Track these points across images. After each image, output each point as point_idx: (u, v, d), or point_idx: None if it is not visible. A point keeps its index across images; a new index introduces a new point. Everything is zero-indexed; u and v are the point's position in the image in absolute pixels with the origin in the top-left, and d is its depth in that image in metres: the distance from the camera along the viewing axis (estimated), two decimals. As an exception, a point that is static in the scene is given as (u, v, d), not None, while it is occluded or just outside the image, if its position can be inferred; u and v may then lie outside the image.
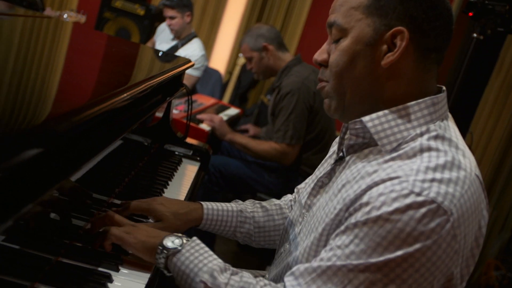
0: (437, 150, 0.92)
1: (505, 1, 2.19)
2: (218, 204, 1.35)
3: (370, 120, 0.99)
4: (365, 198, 0.91)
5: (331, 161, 1.16)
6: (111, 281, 1.03)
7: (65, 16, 3.44)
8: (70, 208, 1.16)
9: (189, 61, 1.96)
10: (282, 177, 2.72)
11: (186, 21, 3.74)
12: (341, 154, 1.10)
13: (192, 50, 3.77)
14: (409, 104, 0.98)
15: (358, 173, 0.98)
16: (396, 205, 0.86)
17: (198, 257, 1.01)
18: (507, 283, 3.56)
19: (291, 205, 1.42)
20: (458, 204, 0.87)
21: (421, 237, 0.85)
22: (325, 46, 1.07)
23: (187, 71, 3.72)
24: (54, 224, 1.09)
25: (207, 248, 1.05)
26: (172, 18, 3.68)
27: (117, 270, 1.07)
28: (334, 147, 1.24)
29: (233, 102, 4.58)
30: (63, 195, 1.10)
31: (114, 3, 4.35)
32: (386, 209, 0.87)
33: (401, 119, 0.97)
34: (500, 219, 3.47)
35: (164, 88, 1.77)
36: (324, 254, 0.93)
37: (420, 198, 0.86)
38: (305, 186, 1.28)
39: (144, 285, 1.07)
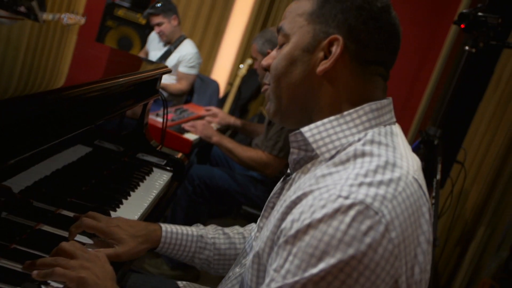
0: (371, 155, 0.86)
1: (498, 14, 2.04)
2: (178, 227, 1.25)
3: (309, 130, 0.94)
4: (296, 212, 0.84)
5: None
6: None
7: (64, 18, 3.34)
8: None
9: (165, 67, 1.82)
10: (268, 191, 2.56)
11: (174, 24, 3.68)
12: (288, 171, 1.04)
13: (185, 50, 3.71)
14: (346, 112, 0.92)
15: (299, 187, 0.91)
16: (324, 211, 0.80)
17: None
18: (503, 303, 3.37)
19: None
20: (390, 205, 0.80)
21: (354, 242, 0.77)
22: (273, 52, 1.03)
23: (184, 71, 3.67)
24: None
25: None
26: (159, 24, 3.64)
27: None
28: None
29: (233, 113, 4.45)
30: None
31: (116, 12, 4.26)
32: (314, 216, 0.80)
33: (339, 126, 0.92)
34: (495, 237, 3.29)
35: (138, 93, 1.65)
36: (264, 283, 0.85)
37: (347, 201, 0.79)
38: None
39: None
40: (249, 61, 4.63)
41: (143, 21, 4.22)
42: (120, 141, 1.71)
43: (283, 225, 0.86)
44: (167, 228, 1.23)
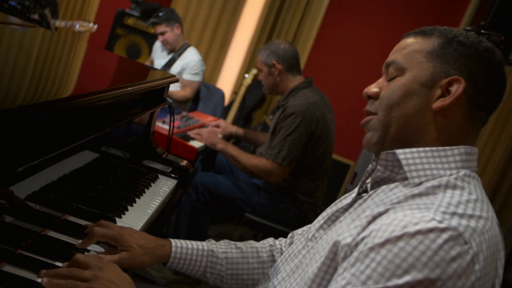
0: (462, 188, 0.88)
1: (500, 31, 2.02)
2: (188, 242, 1.24)
3: (404, 153, 0.95)
4: (380, 223, 0.85)
5: (351, 196, 1.07)
6: None
7: (77, 26, 3.34)
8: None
9: (172, 76, 1.82)
10: (271, 199, 2.55)
11: (177, 33, 3.68)
12: (364, 188, 1.04)
13: (189, 57, 3.71)
14: (445, 147, 0.94)
15: (381, 201, 0.93)
16: (418, 227, 0.80)
17: None
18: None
19: (272, 250, 1.29)
20: (478, 239, 0.81)
21: (442, 263, 0.78)
22: (378, 81, 1.03)
23: (188, 78, 3.67)
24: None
25: None
26: (163, 33, 3.64)
27: None
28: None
29: (237, 122, 4.45)
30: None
31: (126, 20, 4.26)
32: (407, 230, 0.80)
33: (434, 158, 0.93)
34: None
35: (145, 101, 1.63)
36: (334, 285, 0.85)
37: (442, 225, 0.80)
38: (305, 230, 1.18)
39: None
40: (254, 71, 4.63)
41: (152, 30, 4.22)
42: (127, 147, 1.70)
43: (364, 233, 0.86)
44: (177, 243, 1.21)
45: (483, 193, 0.92)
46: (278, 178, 2.44)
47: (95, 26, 3.42)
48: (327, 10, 4.80)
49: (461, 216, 0.82)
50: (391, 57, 1.01)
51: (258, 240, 1.34)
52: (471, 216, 0.83)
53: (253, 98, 4.84)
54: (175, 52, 3.74)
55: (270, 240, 1.31)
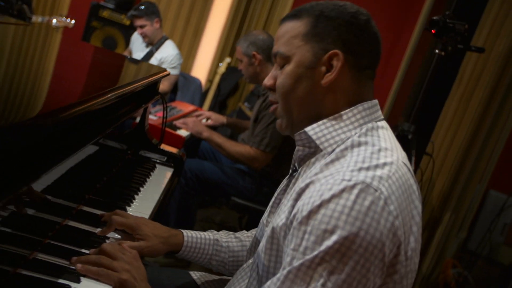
0: (366, 143, 0.96)
1: (465, 20, 2.15)
2: (196, 232, 1.31)
3: (312, 129, 1.02)
4: (305, 198, 0.93)
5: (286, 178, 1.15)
6: None
7: (54, 21, 3.32)
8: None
9: (164, 70, 1.87)
10: (255, 183, 2.64)
11: (156, 27, 3.68)
12: (293, 167, 1.10)
13: (166, 51, 3.72)
14: (343, 111, 1.02)
15: (306, 177, 1.00)
16: (331, 192, 0.88)
17: None
18: (463, 281, 3.54)
19: None
20: (386, 184, 0.89)
21: (359, 215, 0.86)
22: (272, 72, 1.09)
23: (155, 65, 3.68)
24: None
25: None
26: (142, 26, 3.63)
27: (78, 281, 0.99)
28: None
29: (213, 109, 4.50)
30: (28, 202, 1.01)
31: (101, 13, 4.24)
32: (324, 197, 0.89)
33: (338, 124, 1.01)
34: (458, 221, 3.45)
35: (140, 96, 1.69)
36: (283, 262, 0.92)
37: (351, 183, 0.88)
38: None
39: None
40: (227, 60, 4.69)
41: (127, 22, 4.21)
42: (123, 139, 1.75)
43: (294, 210, 0.93)
44: (188, 233, 1.29)
45: (387, 139, 0.99)
46: (261, 163, 2.53)
47: (72, 21, 3.40)
48: (296, -2, 4.89)
49: (367, 169, 0.90)
50: (275, 47, 1.06)
51: (243, 222, 1.43)
52: (376, 166, 0.91)
53: (227, 86, 4.90)
54: (153, 45, 3.75)
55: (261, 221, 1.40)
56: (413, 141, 2.32)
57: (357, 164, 0.92)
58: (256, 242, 1.19)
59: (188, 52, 4.96)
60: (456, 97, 3.07)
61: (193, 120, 2.73)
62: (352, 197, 0.87)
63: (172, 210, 2.62)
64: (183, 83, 4.08)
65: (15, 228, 0.99)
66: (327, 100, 1.02)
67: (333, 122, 1.01)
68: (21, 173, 0.90)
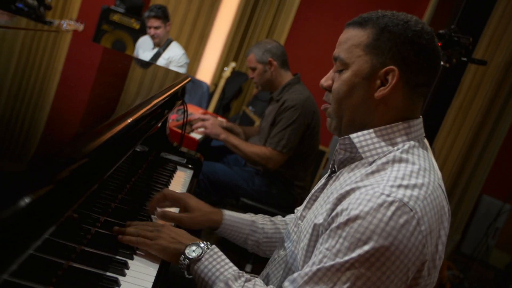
0: (406, 161, 1.00)
1: (468, 34, 2.23)
2: (234, 212, 1.40)
3: (357, 136, 1.07)
4: (345, 203, 0.97)
5: (325, 178, 1.20)
6: (127, 267, 1.07)
7: (64, 24, 3.37)
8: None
9: (187, 77, 1.93)
10: (265, 185, 2.71)
11: (167, 30, 3.80)
12: (333, 169, 1.15)
13: (173, 51, 3.82)
14: (388, 125, 1.05)
15: (345, 182, 1.05)
16: (370, 204, 0.93)
17: (216, 265, 1.07)
18: (458, 282, 3.62)
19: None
20: (421, 204, 0.93)
21: (393, 231, 0.91)
22: (330, 73, 1.13)
23: (174, 70, 3.74)
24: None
25: (224, 257, 1.10)
26: (156, 28, 3.71)
27: (132, 258, 1.11)
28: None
29: (217, 112, 4.57)
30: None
31: (112, 16, 4.30)
32: (362, 208, 0.93)
33: (382, 136, 1.05)
34: (454, 225, 3.53)
35: (165, 102, 1.75)
36: (314, 258, 0.97)
37: (389, 198, 0.93)
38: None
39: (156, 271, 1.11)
40: (232, 64, 4.75)
41: (137, 26, 4.28)
42: (145, 141, 1.81)
43: (333, 214, 0.98)
44: (227, 212, 1.37)
45: (426, 158, 1.02)
46: (276, 164, 2.60)
47: (82, 25, 3.46)
48: (300, 4, 4.95)
49: (406, 187, 0.94)
50: (336, 50, 1.09)
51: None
52: (414, 186, 0.94)
53: (231, 90, 4.96)
54: (160, 46, 3.83)
55: (293, 215, 1.45)
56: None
57: (397, 180, 0.95)
58: (287, 234, 1.24)
59: (194, 56, 5.02)
60: (456, 106, 3.15)
61: (211, 123, 2.79)
62: (389, 213, 0.91)
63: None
64: (191, 87, 4.14)
65: (67, 226, 1.06)
66: (377, 112, 1.06)
67: (378, 134, 1.05)
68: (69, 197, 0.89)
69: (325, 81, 1.13)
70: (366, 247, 0.91)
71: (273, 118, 2.66)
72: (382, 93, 1.03)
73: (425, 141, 1.09)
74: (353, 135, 1.07)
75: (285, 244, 1.21)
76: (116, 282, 0.99)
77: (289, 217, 1.46)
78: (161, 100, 1.42)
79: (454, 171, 3.15)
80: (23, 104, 0.97)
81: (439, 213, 0.97)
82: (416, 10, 4.33)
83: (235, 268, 1.08)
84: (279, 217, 1.45)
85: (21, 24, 2.01)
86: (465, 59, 2.28)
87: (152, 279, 1.07)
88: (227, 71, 4.65)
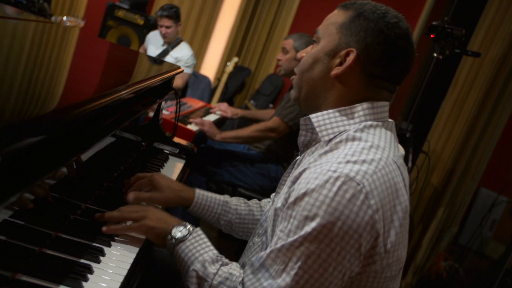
0: (359, 139, 0.96)
1: (462, 26, 2.16)
2: (208, 192, 1.36)
3: (315, 116, 1.03)
4: (296, 185, 0.95)
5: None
6: (103, 254, 1.03)
7: (66, 21, 3.34)
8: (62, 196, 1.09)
9: (178, 67, 1.89)
10: (270, 182, 2.68)
11: (178, 30, 3.75)
12: (298, 152, 1.13)
13: (182, 51, 3.76)
14: (348, 106, 1.01)
15: (304, 164, 1.01)
16: (316, 182, 0.90)
17: (197, 247, 1.04)
18: (454, 272, 3.56)
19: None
20: (370, 179, 0.89)
21: (339, 206, 0.87)
22: (308, 48, 1.10)
23: (168, 62, 3.70)
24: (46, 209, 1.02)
25: (206, 239, 1.07)
26: (168, 27, 3.64)
27: (109, 245, 1.07)
28: None
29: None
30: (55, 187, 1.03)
31: (117, 12, 4.26)
32: (309, 186, 0.90)
33: (340, 117, 1.01)
34: (451, 217, 3.46)
35: (155, 91, 1.71)
36: (271, 242, 0.96)
37: (335, 174, 0.89)
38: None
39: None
40: (235, 59, 4.70)
41: (141, 22, 4.23)
42: (138, 132, 1.77)
43: (287, 195, 0.97)
44: (200, 191, 1.35)
45: (383, 137, 0.98)
46: (279, 133, 2.57)
47: (83, 22, 3.42)
48: (301, 1, 4.89)
49: (354, 162, 0.90)
50: (318, 26, 1.08)
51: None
52: (363, 161, 0.91)
53: (234, 84, 4.92)
54: (169, 45, 3.78)
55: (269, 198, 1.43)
56: (411, 140, 2.33)
57: (346, 157, 0.92)
58: (261, 222, 1.22)
59: (198, 52, 4.98)
60: (452, 98, 3.08)
61: (210, 123, 2.74)
62: (335, 188, 0.88)
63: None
64: (193, 81, 4.10)
65: (44, 211, 1.01)
66: (332, 91, 1.03)
67: (336, 114, 1.01)
68: (45, 162, 0.91)
69: (300, 54, 1.11)
70: (313, 224, 0.88)
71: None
72: (337, 71, 1.00)
73: (388, 123, 1.03)
74: (312, 115, 1.04)
75: (258, 231, 1.18)
76: (89, 269, 0.95)
77: (265, 201, 1.42)
78: (144, 85, 1.37)
79: (449, 163, 3.09)
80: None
81: (392, 188, 0.92)
82: (417, 3, 4.25)
83: (215, 251, 1.05)
84: (254, 200, 1.41)
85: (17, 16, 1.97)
86: (458, 50, 2.20)
87: (128, 266, 1.02)
88: (230, 66, 4.60)
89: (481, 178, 3.48)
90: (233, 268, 1.01)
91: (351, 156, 0.92)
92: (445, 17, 2.28)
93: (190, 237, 1.05)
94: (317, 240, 0.87)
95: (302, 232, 0.88)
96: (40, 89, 1.02)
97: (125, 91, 1.20)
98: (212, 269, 0.99)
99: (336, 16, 1.04)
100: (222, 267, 1.00)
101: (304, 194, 0.90)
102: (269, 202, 1.40)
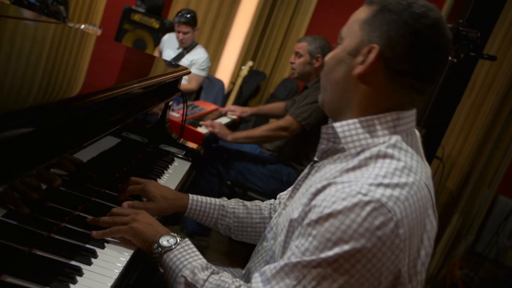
0: (391, 157, 0.88)
1: (478, 29, 2.09)
2: (203, 197, 1.33)
3: (340, 126, 0.95)
4: (318, 199, 0.87)
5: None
6: (95, 256, 1.00)
7: (83, 27, 3.35)
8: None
9: (185, 68, 1.86)
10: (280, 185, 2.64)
11: (195, 35, 3.74)
12: (315, 158, 1.06)
13: (198, 55, 3.75)
14: (375, 116, 0.93)
15: (324, 175, 0.94)
16: (344, 203, 0.82)
17: (185, 255, 1.00)
18: (469, 281, 3.46)
19: (271, 209, 1.35)
20: (402, 206, 0.82)
21: (367, 233, 0.80)
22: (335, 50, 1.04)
23: (195, 72, 3.71)
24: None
25: (195, 249, 1.03)
26: (185, 33, 3.64)
27: (103, 247, 1.04)
28: None
29: (234, 109, 4.49)
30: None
31: (133, 16, 4.27)
32: (335, 207, 0.83)
33: (368, 127, 0.93)
34: (466, 224, 3.37)
35: (161, 91, 1.68)
36: (285, 254, 0.90)
37: (366, 198, 0.82)
38: (285, 195, 1.23)
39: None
40: (250, 63, 4.67)
41: (157, 25, 4.24)
42: (144, 133, 1.75)
43: (307, 208, 0.89)
44: (194, 197, 1.31)
45: (414, 154, 0.90)
46: (291, 132, 2.53)
47: (100, 30, 3.43)
48: (317, 5, 4.84)
49: (386, 186, 0.82)
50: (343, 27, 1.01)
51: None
52: (396, 185, 0.83)
53: (249, 88, 4.89)
54: (185, 48, 3.77)
55: (272, 200, 1.38)
56: (423, 145, 2.26)
57: (378, 178, 0.84)
58: (271, 226, 1.15)
59: (213, 55, 4.97)
60: (468, 103, 3.00)
61: (220, 124, 2.71)
62: (364, 214, 0.80)
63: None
64: (207, 84, 4.08)
65: (40, 212, 0.99)
66: (356, 93, 0.94)
67: (364, 124, 0.92)
68: (44, 152, 0.90)
69: (328, 56, 1.03)
70: (336, 249, 0.81)
71: (306, 94, 2.61)
72: (358, 70, 0.92)
73: (416, 132, 0.96)
74: (336, 124, 0.95)
75: (268, 235, 1.13)
76: (79, 271, 0.91)
77: (267, 203, 1.37)
78: (148, 83, 1.35)
79: (464, 170, 3.00)
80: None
81: (421, 216, 0.86)
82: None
83: (204, 260, 1.00)
84: (255, 202, 1.37)
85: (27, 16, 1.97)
86: (473, 54, 2.13)
87: (121, 269, 0.98)
88: (244, 70, 4.57)
89: (499, 185, 3.39)
90: (225, 275, 0.96)
91: (383, 177, 0.84)
92: (460, 20, 2.21)
93: (179, 247, 1.01)
94: (337, 264, 0.81)
95: (322, 255, 0.82)
96: (51, 91, 1.00)
97: (127, 87, 1.19)
98: (202, 275, 0.94)
99: (360, 13, 0.96)
100: (212, 275, 0.95)
101: (329, 215, 0.82)
102: (272, 204, 1.36)
